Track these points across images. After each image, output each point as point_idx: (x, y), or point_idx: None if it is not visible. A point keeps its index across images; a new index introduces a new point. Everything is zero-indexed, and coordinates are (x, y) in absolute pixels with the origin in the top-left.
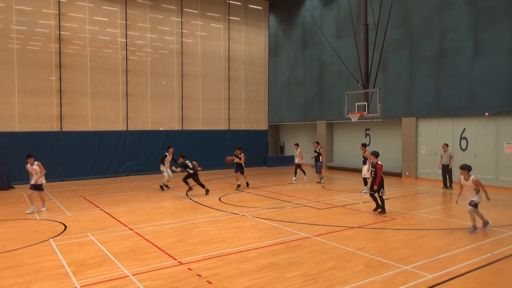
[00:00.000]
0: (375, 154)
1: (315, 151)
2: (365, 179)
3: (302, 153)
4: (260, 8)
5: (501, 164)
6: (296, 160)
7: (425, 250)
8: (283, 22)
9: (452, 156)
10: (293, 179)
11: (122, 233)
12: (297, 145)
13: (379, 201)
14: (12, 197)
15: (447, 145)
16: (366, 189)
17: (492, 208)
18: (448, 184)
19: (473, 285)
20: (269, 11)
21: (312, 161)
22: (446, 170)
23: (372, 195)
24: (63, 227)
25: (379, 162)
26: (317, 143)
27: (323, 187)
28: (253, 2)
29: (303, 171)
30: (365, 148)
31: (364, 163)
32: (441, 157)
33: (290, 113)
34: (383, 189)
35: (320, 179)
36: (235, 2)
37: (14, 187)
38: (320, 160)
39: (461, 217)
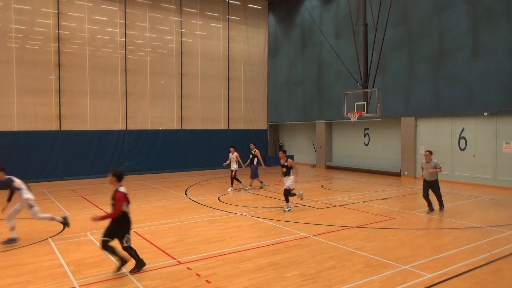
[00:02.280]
0: (117, 175)
1: (251, 153)
2: (287, 192)
3: (303, 153)
4: (259, 7)
5: (499, 163)
6: (233, 166)
7: (424, 250)
8: (282, 22)
9: (440, 168)
10: (229, 189)
11: None
12: (233, 147)
13: (130, 255)
14: None
15: (431, 152)
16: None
17: (491, 207)
18: (439, 204)
19: (471, 284)
20: (269, 11)
21: (313, 161)
22: (430, 186)
23: (106, 246)
24: (62, 227)
25: (121, 189)
26: (254, 144)
27: (219, 198)
28: (252, 1)
29: (237, 179)
30: (285, 154)
31: (287, 173)
32: (422, 168)
33: (289, 113)
34: (129, 235)
35: (260, 182)
36: (235, 2)
37: None
38: (255, 163)
39: (460, 216)
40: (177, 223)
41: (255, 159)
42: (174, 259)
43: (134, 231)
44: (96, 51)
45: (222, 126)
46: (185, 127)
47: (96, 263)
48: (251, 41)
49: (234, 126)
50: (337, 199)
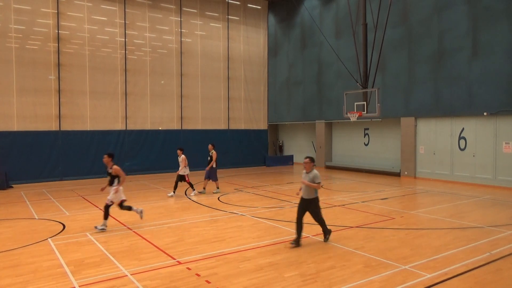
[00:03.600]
0: None
1: (209, 155)
2: (106, 206)
3: (303, 153)
4: (259, 7)
5: (499, 163)
6: (180, 170)
7: (424, 250)
8: (282, 22)
9: (318, 182)
10: (169, 194)
11: (120, 233)
12: (181, 150)
13: None
14: (11, 197)
15: (312, 160)
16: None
17: (491, 207)
18: (322, 232)
19: (471, 284)
20: (268, 11)
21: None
22: (306, 206)
23: None
24: (62, 227)
25: None
26: (212, 145)
27: (218, 198)
28: (252, 1)
29: (191, 184)
30: (111, 158)
31: (111, 183)
32: (302, 188)
33: (289, 113)
34: None
35: (217, 187)
36: (234, 2)
37: (12, 187)
38: (214, 165)
39: (459, 216)
40: (176, 223)
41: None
42: (174, 259)
43: (134, 231)
44: (96, 51)
45: (222, 126)
46: (185, 127)
47: (96, 263)
48: (251, 41)
49: (234, 126)
50: (337, 199)
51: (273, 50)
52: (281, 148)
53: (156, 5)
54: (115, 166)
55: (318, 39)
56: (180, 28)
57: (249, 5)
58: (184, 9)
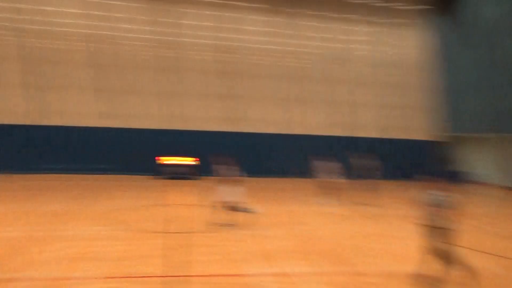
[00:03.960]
0: None
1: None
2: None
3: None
4: (419, 7)
5: None
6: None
7: None
8: (449, 21)
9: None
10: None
11: (302, 234)
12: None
13: None
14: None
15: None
16: None
17: None
18: None
19: None
20: (431, 11)
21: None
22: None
23: None
24: (254, 218)
25: None
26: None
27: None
28: (410, 2)
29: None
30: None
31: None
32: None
33: (470, 123)
34: None
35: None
36: (390, 5)
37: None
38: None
39: None
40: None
41: None
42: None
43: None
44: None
45: (373, 134)
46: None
47: (282, 257)
48: (406, 43)
49: (388, 135)
50: None
51: (437, 52)
52: (452, 163)
53: (301, 13)
54: None
55: (499, 38)
56: (340, 34)
57: (404, 7)
58: (344, 16)
